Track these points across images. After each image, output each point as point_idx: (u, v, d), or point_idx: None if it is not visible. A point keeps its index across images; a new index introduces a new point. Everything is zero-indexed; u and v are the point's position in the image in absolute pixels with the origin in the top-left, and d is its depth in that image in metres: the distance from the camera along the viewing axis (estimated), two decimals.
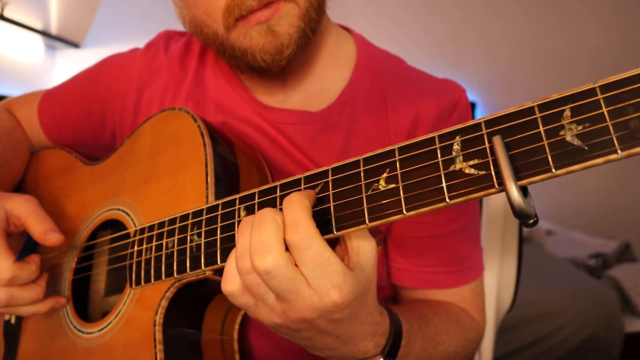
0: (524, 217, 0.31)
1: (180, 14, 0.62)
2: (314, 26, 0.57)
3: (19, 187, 0.76)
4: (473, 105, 2.97)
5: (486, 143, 0.32)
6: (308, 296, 0.36)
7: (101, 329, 0.56)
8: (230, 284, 0.40)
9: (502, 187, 0.31)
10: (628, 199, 2.84)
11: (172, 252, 0.50)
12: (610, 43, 2.79)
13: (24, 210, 0.55)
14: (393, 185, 0.36)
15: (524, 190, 0.32)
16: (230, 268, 0.40)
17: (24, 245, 0.68)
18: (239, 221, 0.45)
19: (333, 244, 0.40)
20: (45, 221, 0.56)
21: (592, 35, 2.84)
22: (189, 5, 0.57)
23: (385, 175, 0.36)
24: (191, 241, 0.49)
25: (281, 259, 0.36)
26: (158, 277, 0.51)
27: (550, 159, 0.30)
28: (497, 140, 0.31)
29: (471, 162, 0.33)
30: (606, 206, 2.89)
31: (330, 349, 0.43)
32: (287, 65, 0.58)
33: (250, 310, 0.41)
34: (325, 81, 0.66)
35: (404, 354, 0.48)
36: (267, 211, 0.37)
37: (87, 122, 0.74)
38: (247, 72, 0.64)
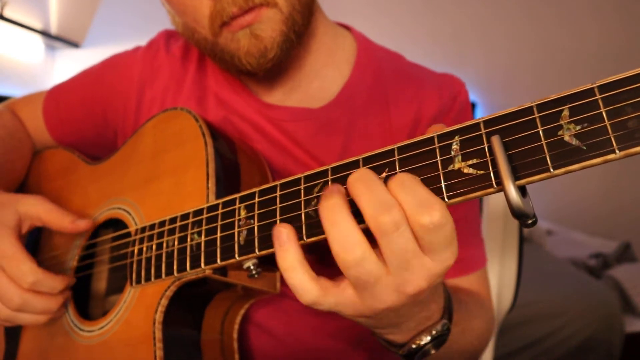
0: (522, 217, 0.31)
1: (173, 20, 0.63)
2: (298, 30, 0.57)
3: (22, 187, 0.76)
4: (473, 105, 2.97)
5: (485, 143, 0.32)
6: (428, 266, 0.34)
7: (102, 327, 0.56)
8: (308, 294, 0.36)
9: (501, 186, 0.31)
10: (628, 199, 2.85)
11: (173, 250, 0.50)
12: (611, 43, 2.80)
13: (43, 209, 0.56)
14: None
15: (522, 190, 0.32)
16: (298, 279, 0.36)
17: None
18: (239, 220, 0.45)
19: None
20: (65, 213, 0.58)
21: (593, 35, 2.84)
22: (178, 13, 0.58)
23: (384, 174, 0.36)
24: (191, 240, 0.49)
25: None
26: (158, 275, 0.51)
27: (548, 158, 0.30)
28: (496, 140, 0.31)
29: (470, 162, 0.33)
30: (606, 206, 2.89)
31: (406, 320, 0.40)
32: (273, 67, 0.58)
33: (345, 306, 0.37)
34: (325, 79, 0.67)
35: (456, 320, 0.47)
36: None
37: (90, 121, 0.74)
38: (237, 75, 0.65)
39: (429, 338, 0.42)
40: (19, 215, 0.56)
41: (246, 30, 0.54)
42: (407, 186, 0.33)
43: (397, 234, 0.32)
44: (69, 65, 2.94)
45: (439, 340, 0.42)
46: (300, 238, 0.40)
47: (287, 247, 0.37)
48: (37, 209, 0.56)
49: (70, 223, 0.57)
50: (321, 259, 0.54)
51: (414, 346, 0.42)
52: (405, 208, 0.32)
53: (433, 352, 0.42)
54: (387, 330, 0.42)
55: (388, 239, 0.33)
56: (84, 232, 0.59)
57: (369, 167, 0.37)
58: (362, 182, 0.34)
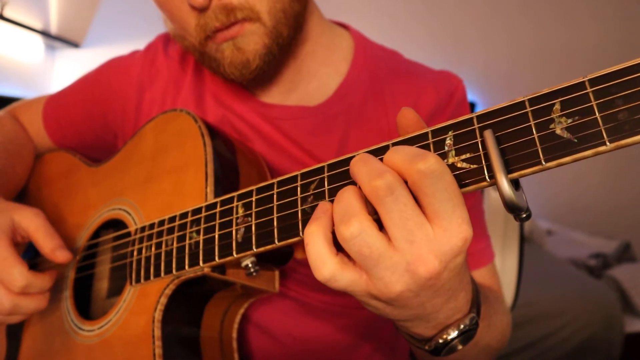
0: (515, 210, 0.31)
1: (166, 25, 0.65)
2: (282, 42, 0.58)
3: (24, 190, 0.77)
4: (473, 105, 2.97)
5: (478, 137, 0.33)
6: (435, 238, 0.32)
7: (101, 327, 0.56)
8: (325, 266, 0.34)
9: (493, 180, 0.31)
10: (628, 198, 2.84)
11: (172, 249, 0.51)
12: (610, 42, 2.80)
13: (33, 225, 0.55)
14: None
15: (515, 184, 0.32)
16: (316, 250, 0.34)
17: (26, 249, 0.68)
18: (237, 218, 0.45)
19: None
20: (53, 237, 0.56)
21: (592, 34, 2.84)
22: (170, 20, 0.61)
23: None
24: (190, 238, 0.49)
25: (405, 191, 0.31)
26: (157, 274, 0.52)
27: (540, 151, 0.30)
28: (488, 134, 0.31)
29: (463, 156, 0.33)
30: (606, 206, 2.88)
31: (434, 312, 0.37)
32: (256, 77, 0.59)
33: (360, 286, 0.34)
34: (322, 78, 0.67)
35: (484, 313, 0.45)
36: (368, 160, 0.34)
37: (89, 124, 0.75)
38: (224, 80, 0.67)
39: (456, 333, 0.39)
40: (13, 223, 0.55)
41: (230, 42, 0.56)
42: (398, 149, 0.33)
43: (393, 198, 0.31)
44: (68, 65, 2.94)
45: (466, 336, 0.40)
46: (296, 235, 0.40)
47: (318, 215, 0.35)
48: (27, 222, 0.55)
49: (51, 249, 0.55)
50: None
51: (440, 341, 0.39)
52: (400, 165, 0.32)
53: (460, 347, 0.40)
54: (413, 323, 0.39)
55: (385, 206, 0.32)
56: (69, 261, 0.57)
57: None
58: (360, 160, 0.34)
